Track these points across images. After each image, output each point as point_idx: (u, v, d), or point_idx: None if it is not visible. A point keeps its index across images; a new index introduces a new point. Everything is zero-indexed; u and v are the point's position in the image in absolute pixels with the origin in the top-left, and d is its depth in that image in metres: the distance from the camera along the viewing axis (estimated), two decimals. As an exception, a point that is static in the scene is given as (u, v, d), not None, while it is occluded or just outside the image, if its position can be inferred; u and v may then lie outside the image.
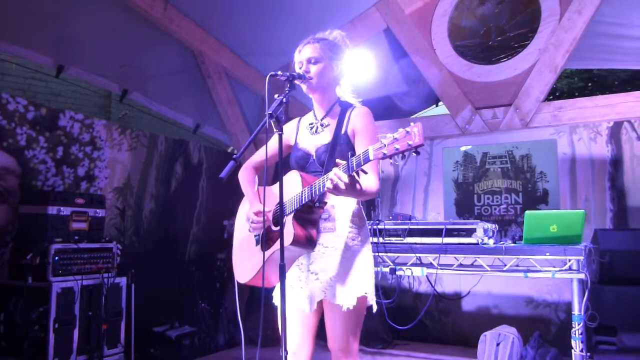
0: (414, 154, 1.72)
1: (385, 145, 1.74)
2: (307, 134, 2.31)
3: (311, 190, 2.00)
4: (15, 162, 3.91)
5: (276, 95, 2.02)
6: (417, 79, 5.58)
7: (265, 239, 2.18)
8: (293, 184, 2.09)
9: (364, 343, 4.82)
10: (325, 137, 2.23)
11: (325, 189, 1.90)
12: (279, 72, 2.06)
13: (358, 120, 2.20)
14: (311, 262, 2.17)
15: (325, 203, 2.12)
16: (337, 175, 1.85)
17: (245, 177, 2.44)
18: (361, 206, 2.26)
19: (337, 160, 1.89)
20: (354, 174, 1.84)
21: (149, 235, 4.91)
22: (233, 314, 5.20)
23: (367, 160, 1.78)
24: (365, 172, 1.86)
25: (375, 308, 2.19)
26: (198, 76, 5.17)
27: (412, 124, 1.71)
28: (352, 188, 1.88)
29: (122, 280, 3.98)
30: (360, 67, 4.86)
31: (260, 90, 5.50)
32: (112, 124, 5.06)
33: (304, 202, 2.03)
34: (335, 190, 1.87)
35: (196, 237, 5.38)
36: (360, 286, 2.12)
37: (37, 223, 3.69)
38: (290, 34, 4.58)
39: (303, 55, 2.24)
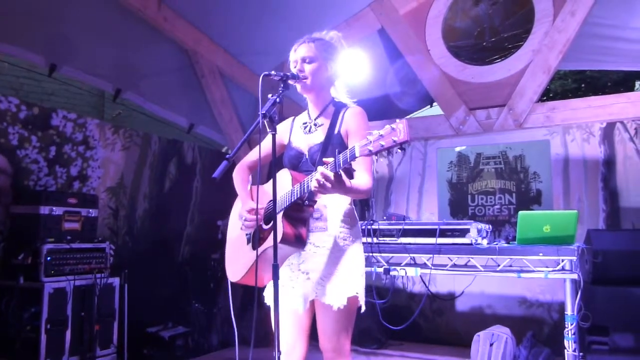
0: (399, 150, 1.72)
1: (370, 142, 1.74)
2: (300, 133, 2.31)
3: (300, 189, 2.00)
4: (7, 161, 3.88)
5: (270, 95, 2.02)
6: (411, 79, 5.58)
7: (257, 238, 2.18)
8: (284, 183, 2.09)
9: (358, 343, 4.82)
10: (319, 136, 2.23)
11: (313, 188, 1.90)
12: (273, 72, 2.06)
13: (351, 120, 2.20)
14: (302, 261, 2.17)
15: (315, 201, 2.12)
16: (323, 174, 1.85)
17: (239, 177, 2.44)
18: (353, 206, 2.26)
19: (324, 159, 1.89)
20: (342, 171, 1.84)
21: (143, 235, 4.89)
22: (227, 314, 5.19)
23: (353, 157, 1.78)
24: (354, 170, 1.86)
25: (363, 309, 2.18)
26: (192, 76, 5.16)
27: (397, 120, 1.71)
28: (339, 186, 1.88)
29: (115, 281, 3.96)
30: (354, 67, 4.87)
31: (254, 90, 5.49)
32: (105, 123, 5.04)
33: (293, 200, 2.03)
34: (322, 188, 1.87)
35: (190, 237, 5.37)
36: (351, 286, 2.12)
37: (29, 223, 3.67)
38: (284, 34, 4.58)
39: (298, 54, 2.25)
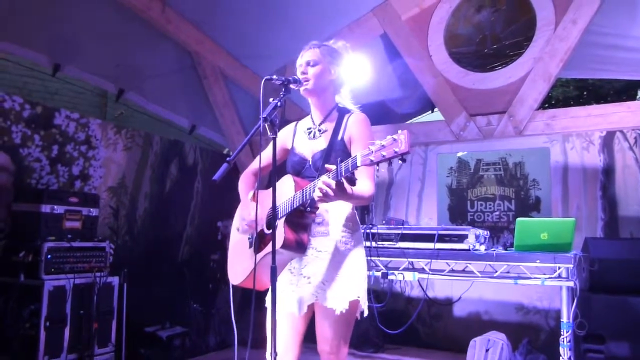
0: (400, 161, 1.74)
1: (372, 152, 1.76)
2: (304, 138, 2.33)
3: (302, 195, 2.02)
4: (10, 159, 3.91)
5: (271, 99, 2.04)
6: (412, 84, 5.60)
7: (258, 242, 2.19)
8: (287, 188, 2.11)
9: (355, 347, 4.84)
10: (322, 143, 2.25)
11: (317, 197, 1.92)
12: (274, 77, 2.08)
13: (355, 127, 2.23)
14: (304, 265, 2.18)
15: (317, 208, 2.13)
16: (326, 182, 1.88)
17: (244, 184, 2.47)
18: (355, 211, 2.28)
19: (327, 166, 1.91)
20: (344, 179, 1.86)
21: (143, 235, 4.91)
22: (225, 315, 5.20)
23: (355, 166, 1.81)
24: (356, 178, 1.88)
25: (366, 313, 2.20)
26: (194, 77, 5.18)
27: (399, 131, 1.74)
28: (341, 194, 1.90)
29: (115, 280, 3.98)
30: (356, 71, 4.88)
31: (256, 92, 5.50)
32: (107, 123, 5.07)
33: (295, 206, 2.05)
34: (325, 197, 1.90)
35: (190, 237, 5.39)
36: (352, 290, 2.13)
37: (30, 221, 3.70)
38: (287, 37, 4.63)
39: (303, 58, 2.29)
